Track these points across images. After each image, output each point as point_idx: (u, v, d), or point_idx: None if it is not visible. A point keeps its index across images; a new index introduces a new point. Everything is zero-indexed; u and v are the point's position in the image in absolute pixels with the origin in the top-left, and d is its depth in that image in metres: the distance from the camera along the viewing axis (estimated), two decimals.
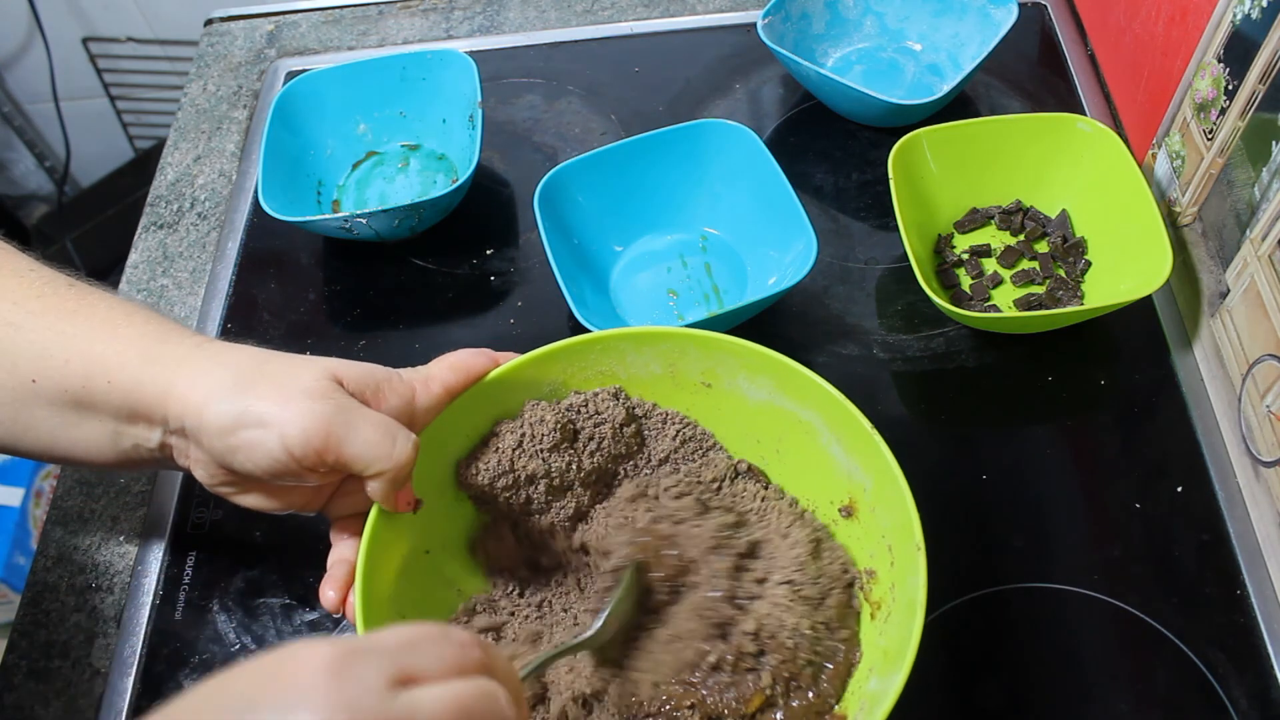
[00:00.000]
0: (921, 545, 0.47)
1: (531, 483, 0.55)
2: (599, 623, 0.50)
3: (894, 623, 0.49)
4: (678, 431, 0.58)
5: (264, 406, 0.46)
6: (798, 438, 0.55)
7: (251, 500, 0.52)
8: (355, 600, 0.48)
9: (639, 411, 0.58)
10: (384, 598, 0.50)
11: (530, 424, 0.55)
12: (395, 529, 0.51)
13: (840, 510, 0.54)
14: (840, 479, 0.54)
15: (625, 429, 0.57)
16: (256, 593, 0.62)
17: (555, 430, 0.55)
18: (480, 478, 0.54)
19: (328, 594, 0.50)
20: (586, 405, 0.56)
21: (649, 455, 0.58)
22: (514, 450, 0.55)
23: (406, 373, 0.52)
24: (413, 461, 0.48)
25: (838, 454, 0.54)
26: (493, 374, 0.54)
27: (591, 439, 0.56)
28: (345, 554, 0.52)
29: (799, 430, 0.55)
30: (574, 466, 0.56)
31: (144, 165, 1.66)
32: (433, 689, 0.35)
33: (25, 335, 0.49)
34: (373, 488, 0.48)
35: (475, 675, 0.37)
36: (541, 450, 0.55)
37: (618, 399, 0.57)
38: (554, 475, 0.55)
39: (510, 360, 0.55)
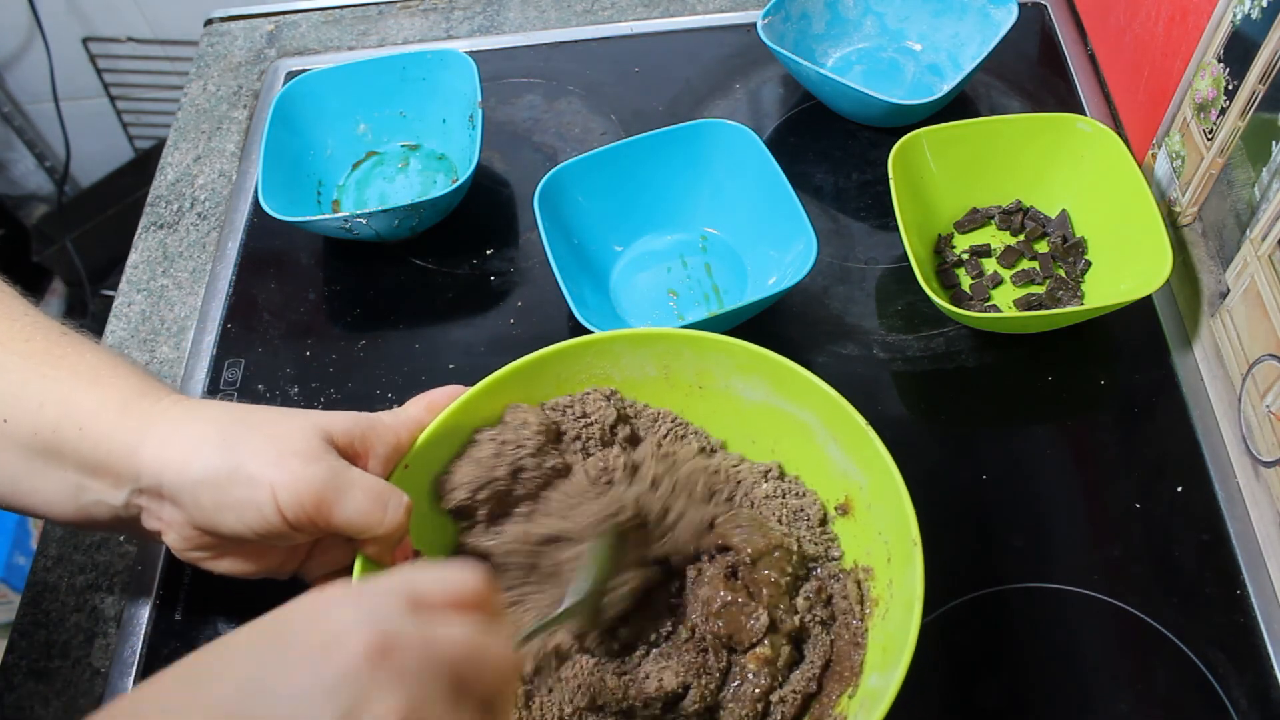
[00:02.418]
0: (918, 541, 0.47)
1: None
2: (583, 586, 0.49)
3: (892, 619, 0.49)
4: (669, 430, 0.58)
5: (256, 465, 0.46)
6: (794, 437, 0.55)
7: (226, 565, 0.51)
8: None
9: (630, 412, 0.57)
10: None
11: (513, 429, 0.53)
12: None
13: (836, 508, 0.54)
14: (837, 477, 0.54)
15: (616, 430, 0.56)
16: (257, 593, 0.61)
17: (539, 433, 0.53)
18: (459, 493, 0.52)
19: None
20: (573, 406, 0.55)
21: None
22: (493, 458, 0.53)
23: (386, 416, 0.52)
24: (405, 526, 0.48)
25: (834, 453, 0.54)
26: (485, 382, 0.54)
27: (578, 438, 0.55)
28: None
29: (795, 430, 0.55)
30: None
31: (144, 165, 1.66)
32: (448, 622, 0.36)
33: (6, 375, 0.49)
34: (369, 550, 0.48)
35: (480, 612, 0.38)
36: (522, 456, 0.53)
37: (609, 400, 0.56)
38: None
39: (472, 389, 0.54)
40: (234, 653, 0.35)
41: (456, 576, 0.38)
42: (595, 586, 0.50)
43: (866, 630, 0.51)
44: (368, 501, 0.47)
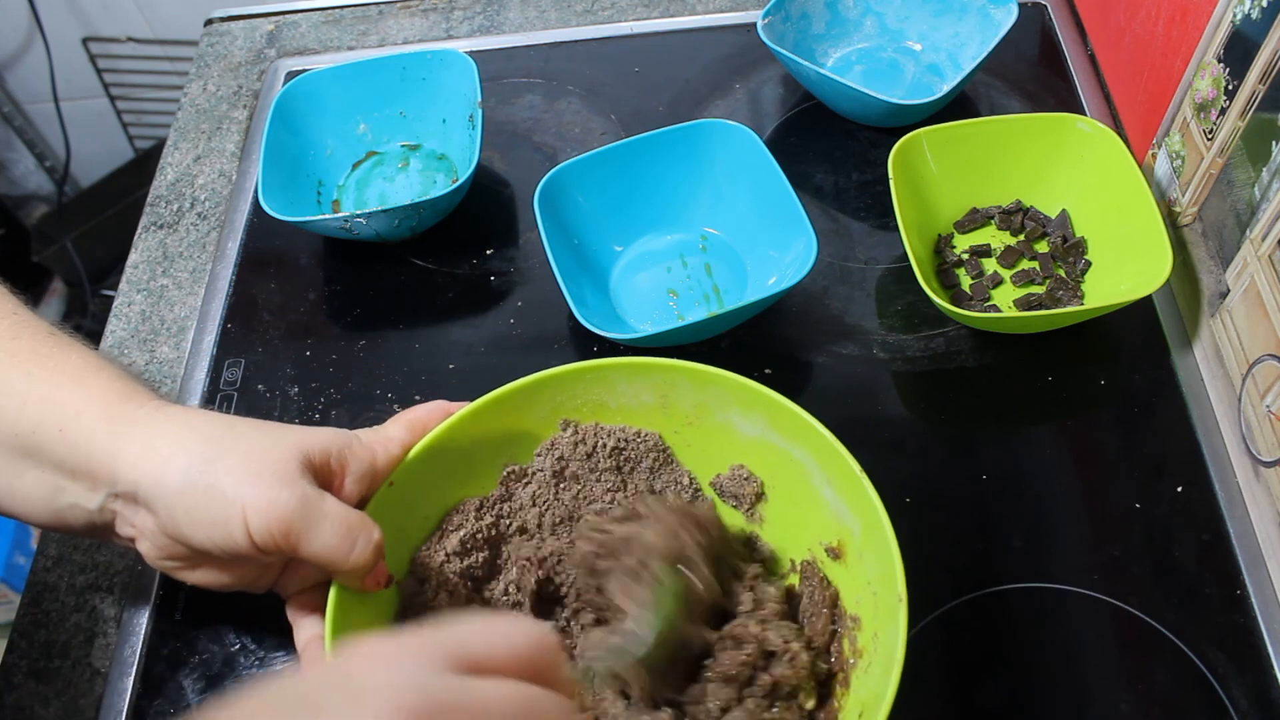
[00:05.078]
0: (903, 598, 0.46)
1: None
2: (648, 630, 0.47)
3: (873, 674, 0.48)
4: (652, 463, 0.57)
5: (230, 484, 0.45)
6: (789, 476, 0.54)
7: (199, 576, 0.50)
8: None
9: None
10: None
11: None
12: (362, 601, 0.49)
13: (828, 551, 0.53)
14: (830, 521, 0.53)
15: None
16: (256, 596, 0.61)
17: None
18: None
19: None
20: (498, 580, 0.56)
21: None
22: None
23: (365, 434, 0.51)
24: (372, 564, 0.47)
25: (829, 496, 0.52)
26: (478, 403, 0.53)
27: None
28: (315, 630, 0.50)
29: (791, 469, 0.54)
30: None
31: (144, 165, 1.66)
32: (499, 683, 0.34)
33: None
34: (338, 578, 0.48)
35: (542, 675, 0.36)
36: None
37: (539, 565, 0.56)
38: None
39: (463, 408, 0.53)
40: (256, 715, 0.32)
41: (513, 633, 0.35)
42: (665, 627, 0.47)
43: (849, 680, 0.50)
44: (335, 537, 0.46)
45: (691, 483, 0.58)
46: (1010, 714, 0.55)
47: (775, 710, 0.48)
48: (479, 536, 0.55)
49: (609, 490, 0.57)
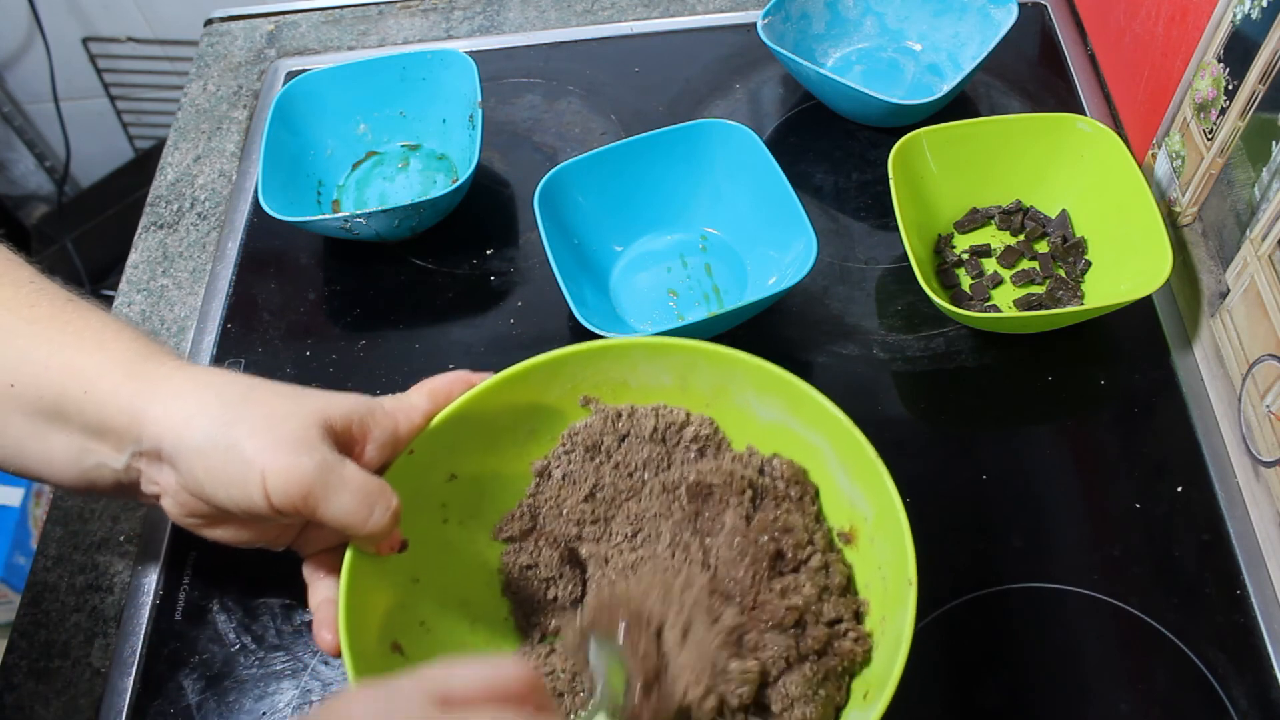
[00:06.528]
0: (913, 581, 0.46)
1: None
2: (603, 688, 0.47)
3: (879, 656, 0.48)
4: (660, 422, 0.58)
5: (251, 446, 0.46)
6: (804, 460, 0.55)
7: (220, 534, 0.51)
8: (342, 645, 0.46)
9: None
10: (373, 636, 0.49)
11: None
12: (376, 565, 0.50)
13: (840, 536, 0.53)
14: (843, 506, 0.53)
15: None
16: (256, 592, 0.62)
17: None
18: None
19: (324, 637, 0.49)
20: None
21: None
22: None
23: (388, 402, 0.52)
24: (389, 530, 0.48)
25: (842, 481, 0.53)
26: (500, 376, 0.54)
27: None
28: (328, 593, 0.51)
29: (806, 453, 0.54)
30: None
31: (144, 165, 1.66)
32: (482, 711, 0.35)
33: (12, 340, 0.49)
34: (355, 541, 0.48)
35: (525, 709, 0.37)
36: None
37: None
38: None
39: (486, 379, 0.54)
40: None
41: (494, 672, 0.37)
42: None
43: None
44: (354, 502, 0.46)
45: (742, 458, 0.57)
46: (1010, 714, 0.56)
47: (823, 692, 0.48)
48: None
49: (649, 463, 0.57)
